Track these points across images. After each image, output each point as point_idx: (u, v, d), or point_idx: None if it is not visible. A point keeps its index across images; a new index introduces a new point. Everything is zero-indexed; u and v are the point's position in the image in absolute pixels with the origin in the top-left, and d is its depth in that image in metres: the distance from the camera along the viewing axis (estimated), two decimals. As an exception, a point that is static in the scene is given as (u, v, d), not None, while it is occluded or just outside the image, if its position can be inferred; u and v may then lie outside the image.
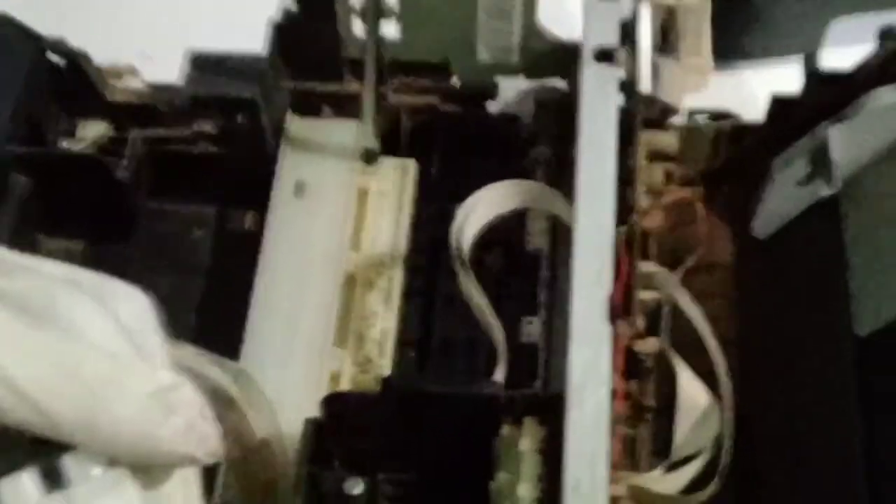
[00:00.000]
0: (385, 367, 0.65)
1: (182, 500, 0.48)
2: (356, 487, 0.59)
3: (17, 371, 0.42)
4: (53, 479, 0.44)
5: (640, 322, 0.61)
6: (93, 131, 0.71)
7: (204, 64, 0.70)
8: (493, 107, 0.76)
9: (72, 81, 0.71)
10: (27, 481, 0.43)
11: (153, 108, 0.71)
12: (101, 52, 0.71)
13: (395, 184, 0.74)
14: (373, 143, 0.72)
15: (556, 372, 0.65)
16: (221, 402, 0.56)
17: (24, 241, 0.65)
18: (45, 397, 0.43)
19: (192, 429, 0.45)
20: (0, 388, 0.42)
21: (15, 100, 0.68)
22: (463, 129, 0.76)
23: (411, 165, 0.74)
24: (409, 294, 0.70)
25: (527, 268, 0.71)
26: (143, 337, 0.46)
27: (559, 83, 0.75)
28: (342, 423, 0.59)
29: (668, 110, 0.66)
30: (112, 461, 0.44)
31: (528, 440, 0.57)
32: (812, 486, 0.64)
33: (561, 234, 0.70)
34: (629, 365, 0.61)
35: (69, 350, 0.44)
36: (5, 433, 0.44)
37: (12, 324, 0.44)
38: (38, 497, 0.43)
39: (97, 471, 0.43)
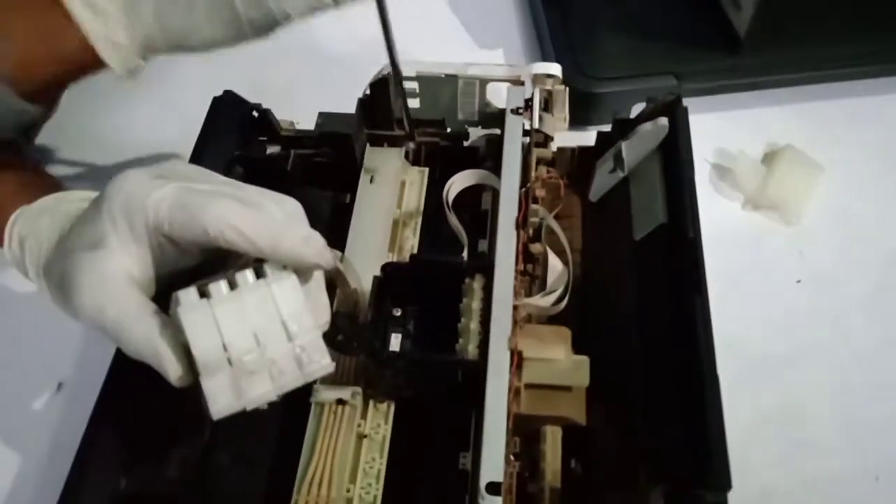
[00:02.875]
0: (412, 261, 0.80)
1: (316, 290, 0.63)
2: (397, 312, 0.81)
3: (240, 223, 0.55)
4: (258, 274, 0.58)
5: (531, 233, 0.84)
6: (273, 149, 0.98)
7: (327, 117, 0.96)
8: (466, 143, 1.03)
9: (263, 125, 0.97)
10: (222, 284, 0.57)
11: (303, 138, 0.97)
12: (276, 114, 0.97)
13: (417, 179, 1.00)
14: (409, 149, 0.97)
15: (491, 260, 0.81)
16: (334, 270, 0.73)
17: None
18: (256, 243, 0.56)
19: (309, 239, 0.60)
20: (233, 234, 0.55)
21: (236, 135, 0.95)
22: (450, 153, 1.02)
23: (425, 171, 1.01)
24: (423, 230, 0.95)
25: (480, 217, 0.97)
26: (296, 216, 0.62)
27: (497, 130, 0.99)
28: (391, 278, 0.80)
29: (548, 138, 0.91)
30: (283, 267, 0.59)
31: (477, 284, 0.79)
32: (612, 317, 0.87)
33: (496, 200, 0.87)
34: (527, 256, 0.84)
35: (259, 213, 0.57)
36: (223, 254, 0.60)
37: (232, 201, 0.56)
38: (253, 282, 0.56)
39: (277, 272, 0.58)
